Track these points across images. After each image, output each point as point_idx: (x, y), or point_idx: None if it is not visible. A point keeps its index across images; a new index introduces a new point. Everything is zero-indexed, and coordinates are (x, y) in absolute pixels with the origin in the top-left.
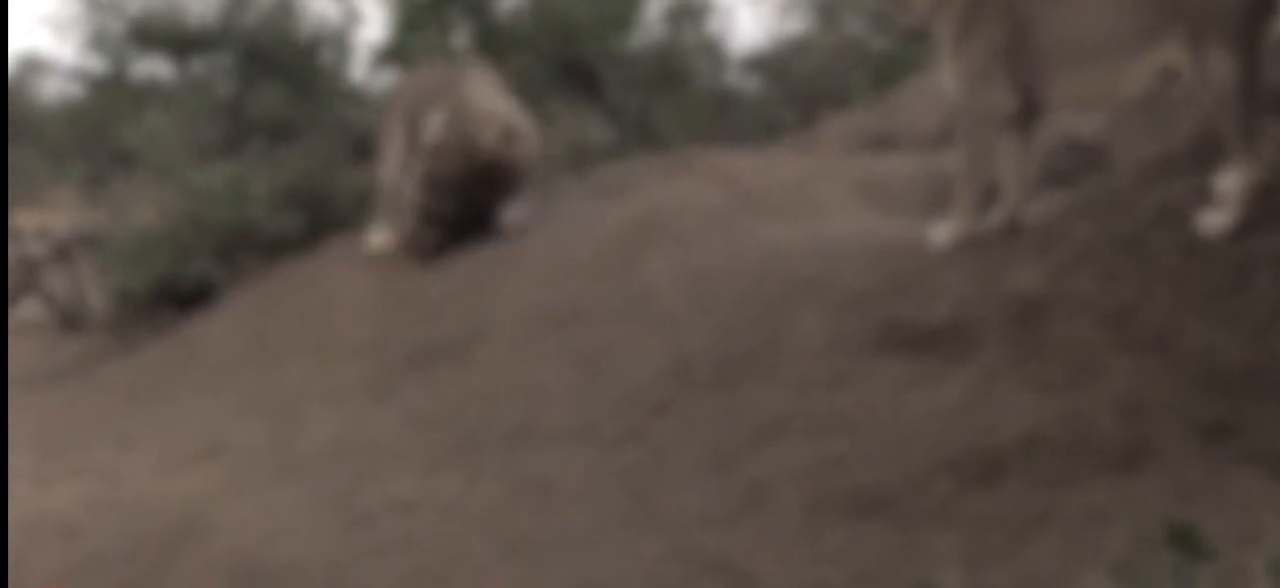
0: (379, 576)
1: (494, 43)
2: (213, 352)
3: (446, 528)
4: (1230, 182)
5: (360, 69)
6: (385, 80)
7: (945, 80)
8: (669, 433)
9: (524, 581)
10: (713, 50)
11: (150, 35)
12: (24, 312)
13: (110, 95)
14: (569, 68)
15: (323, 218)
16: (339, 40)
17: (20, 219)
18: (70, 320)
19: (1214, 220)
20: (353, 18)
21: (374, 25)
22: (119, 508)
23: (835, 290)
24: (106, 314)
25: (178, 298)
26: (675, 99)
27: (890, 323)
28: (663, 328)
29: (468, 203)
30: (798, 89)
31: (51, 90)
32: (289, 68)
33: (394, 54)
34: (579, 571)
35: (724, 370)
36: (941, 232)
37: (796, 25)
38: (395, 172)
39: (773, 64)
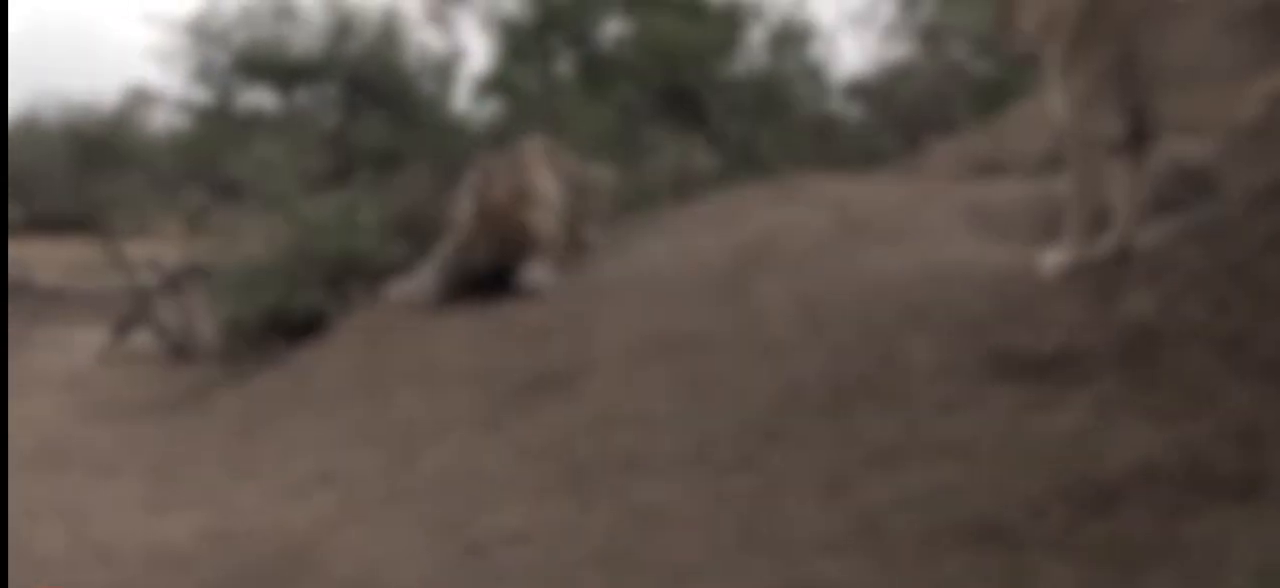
0: None
1: (597, 71)
2: (322, 381)
3: (558, 558)
4: None
5: (463, 99)
6: (487, 111)
7: (1055, 105)
8: (781, 459)
9: None
10: (815, 77)
11: (255, 67)
12: (136, 342)
13: (216, 126)
14: (672, 95)
15: (427, 247)
16: (442, 71)
17: (131, 250)
18: (181, 350)
19: None
20: (457, 49)
21: (478, 56)
22: (232, 537)
23: (946, 316)
24: (217, 344)
25: (288, 328)
26: (778, 125)
27: (1002, 350)
28: (773, 354)
29: (486, 258)
30: (901, 115)
31: (159, 121)
32: (392, 98)
33: (497, 84)
34: None
35: (836, 396)
36: (1052, 259)
37: (900, 51)
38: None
39: (875, 90)
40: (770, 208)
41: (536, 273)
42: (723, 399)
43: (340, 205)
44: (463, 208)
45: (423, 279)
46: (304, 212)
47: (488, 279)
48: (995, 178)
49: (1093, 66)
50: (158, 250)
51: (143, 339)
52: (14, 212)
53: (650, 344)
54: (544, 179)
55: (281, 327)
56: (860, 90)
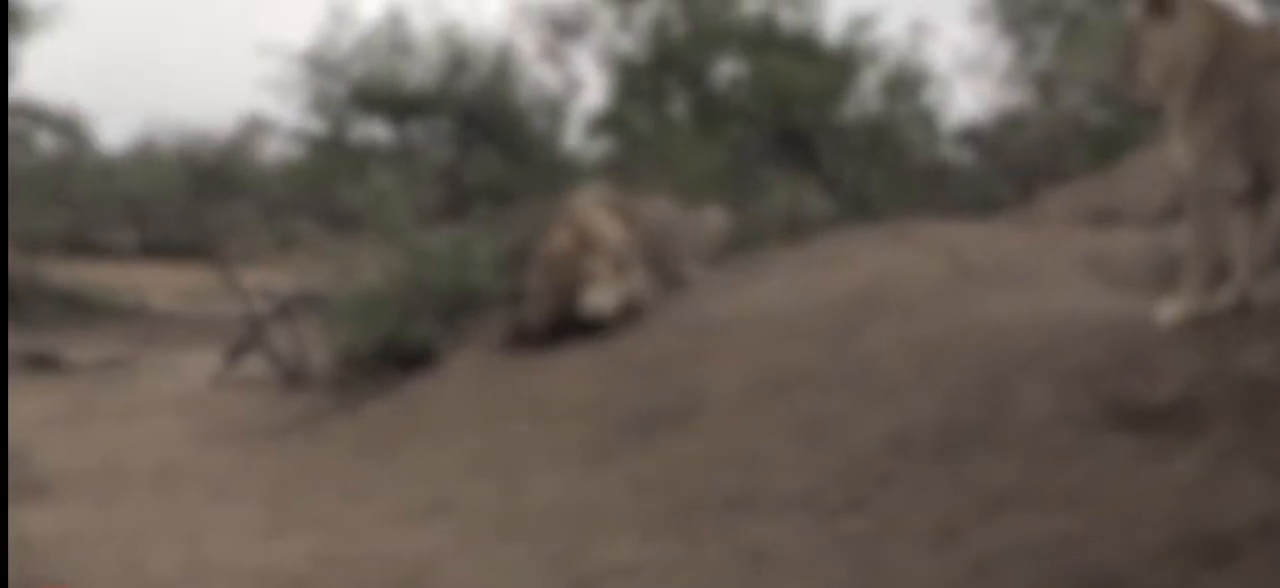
0: None
1: (710, 112)
2: (435, 410)
3: None
4: None
5: (574, 136)
6: (599, 148)
7: (1177, 156)
8: (893, 503)
9: None
10: (928, 122)
11: (370, 99)
12: (248, 367)
13: (330, 157)
14: (785, 137)
15: None
16: (554, 107)
17: (243, 277)
18: (293, 377)
19: None
20: (572, 86)
21: (592, 92)
22: (347, 562)
23: (1062, 364)
24: (329, 371)
25: (401, 358)
26: (890, 170)
27: (1118, 399)
28: (886, 397)
29: (549, 307)
30: (1014, 162)
31: (272, 151)
32: (504, 134)
33: (610, 122)
34: None
35: (949, 441)
36: (1168, 310)
37: (1015, 98)
38: None
39: (989, 137)
40: (883, 251)
41: (598, 296)
42: (834, 441)
43: (455, 239)
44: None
45: (497, 325)
46: (419, 243)
47: (555, 328)
48: (1112, 227)
49: (1215, 119)
50: (268, 278)
51: (255, 365)
52: (128, 237)
53: (762, 383)
54: (601, 224)
55: (394, 357)
56: (973, 137)
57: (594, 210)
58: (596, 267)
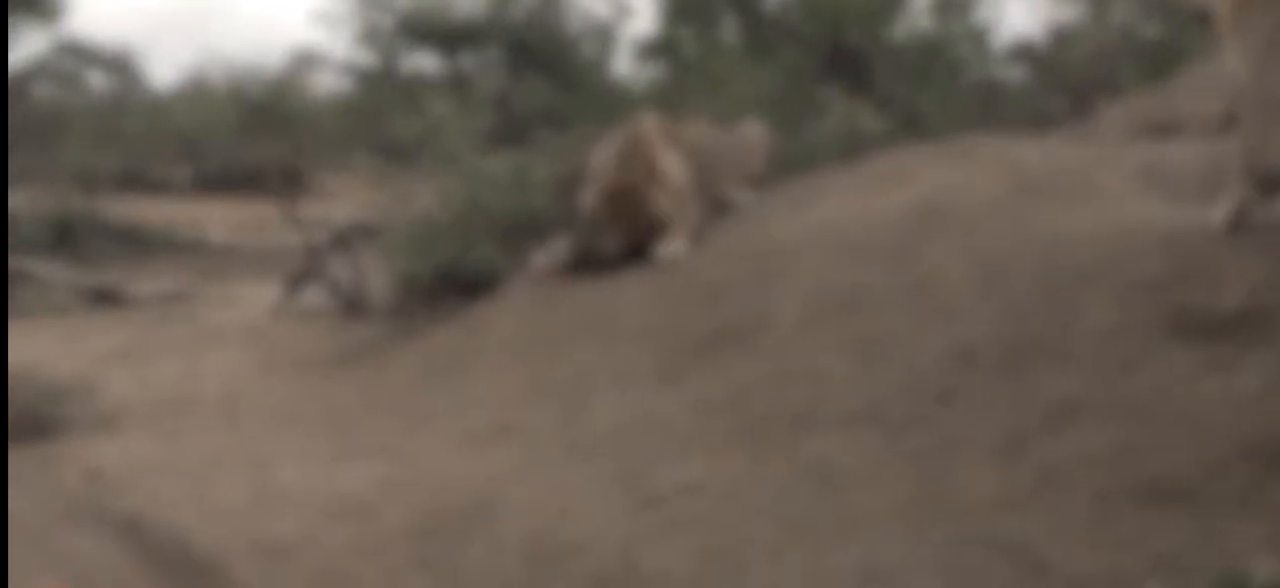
0: (669, 556)
1: (761, 35)
2: (498, 335)
3: (733, 510)
4: None
5: (624, 63)
6: (649, 74)
7: (1229, 64)
8: (956, 418)
9: (813, 564)
10: (979, 40)
11: (420, 30)
12: (310, 299)
13: (380, 89)
14: (837, 58)
15: None
16: (603, 34)
17: (300, 210)
18: (353, 306)
19: None
20: (621, 12)
21: (642, 19)
22: (412, 487)
23: (1123, 277)
24: (388, 300)
25: (461, 284)
26: (943, 89)
27: (1181, 309)
28: (947, 314)
29: (617, 239)
30: (1067, 78)
31: (324, 84)
32: (554, 62)
33: (661, 48)
34: (868, 554)
35: (1011, 356)
36: (1218, 212)
37: (1067, 13)
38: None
39: (1041, 54)
40: (941, 169)
41: (671, 246)
42: (896, 358)
43: (513, 163)
44: (592, 186)
45: (556, 250)
46: (478, 169)
47: (618, 255)
48: (1169, 139)
49: (1265, 25)
50: (323, 209)
51: (315, 295)
52: (182, 172)
53: (823, 303)
54: (666, 158)
55: (455, 283)
56: (1025, 54)
57: (656, 143)
58: (665, 205)
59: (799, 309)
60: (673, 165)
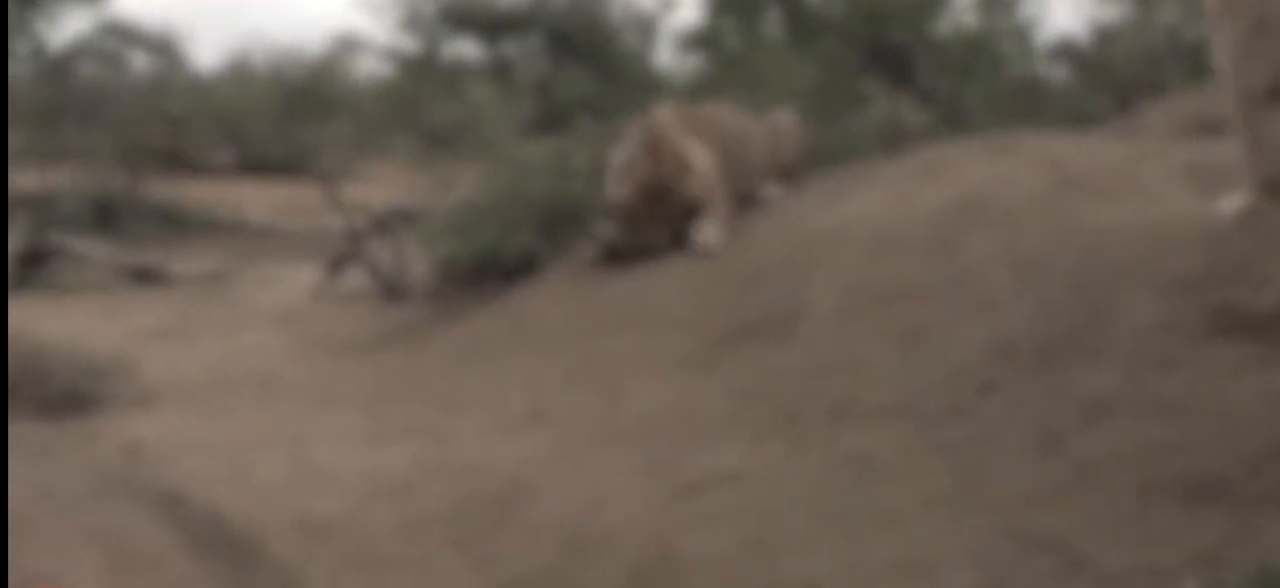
0: (705, 544)
1: (804, 28)
2: (535, 322)
3: (770, 500)
4: None
5: (666, 54)
6: (691, 66)
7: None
8: (994, 412)
9: (849, 555)
10: (1023, 37)
11: (461, 16)
12: (349, 282)
13: (421, 74)
14: (879, 53)
15: None
16: (645, 25)
17: (342, 194)
18: (392, 290)
19: None
20: (664, 3)
21: (685, 9)
22: (449, 470)
23: (1163, 273)
24: (427, 284)
25: (500, 269)
26: (986, 85)
27: (1221, 307)
28: (986, 307)
29: (652, 223)
30: (1111, 78)
31: (365, 69)
32: (596, 51)
33: (704, 40)
34: (904, 546)
35: (1050, 351)
36: (1228, 203)
37: (1111, 12)
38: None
39: (1085, 53)
40: (983, 163)
41: (707, 232)
42: (934, 351)
43: (553, 150)
44: (620, 180)
45: (597, 242)
46: (519, 155)
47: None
48: (1212, 138)
49: (1248, 13)
50: (362, 194)
51: (355, 278)
52: (224, 154)
53: (862, 294)
54: (691, 146)
55: (494, 269)
56: (1069, 52)
57: (676, 133)
58: (697, 190)
59: (836, 300)
60: (699, 152)
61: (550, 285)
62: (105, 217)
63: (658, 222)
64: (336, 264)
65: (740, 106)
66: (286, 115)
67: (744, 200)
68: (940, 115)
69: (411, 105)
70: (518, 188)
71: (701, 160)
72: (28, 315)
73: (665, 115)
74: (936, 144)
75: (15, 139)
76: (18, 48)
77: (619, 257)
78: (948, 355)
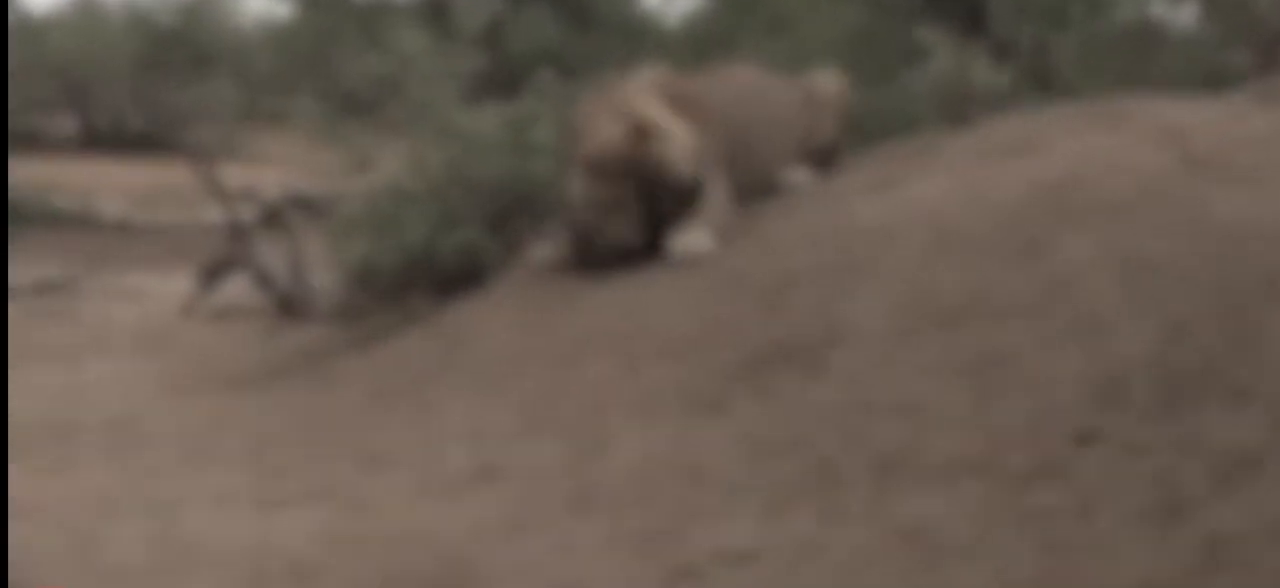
0: None
1: None
2: (484, 345)
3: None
4: None
5: None
6: (685, 5)
7: None
8: (1097, 469)
9: None
10: None
11: None
12: (231, 293)
13: (330, 16)
14: None
15: None
16: None
17: (222, 176)
18: (290, 304)
19: None
20: None
21: None
22: (367, 545)
23: None
24: (336, 296)
25: (436, 277)
26: (1083, 34)
27: None
28: (1087, 330)
29: (616, 216)
30: (1254, 23)
31: (254, 10)
32: None
33: None
34: None
35: (1173, 389)
36: None
37: None
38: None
39: None
40: (1081, 138)
41: (687, 237)
42: (1018, 387)
43: (508, 119)
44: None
45: (557, 242)
46: (461, 125)
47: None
48: None
49: None
50: (250, 176)
51: (239, 289)
52: (68, 124)
53: (921, 310)
54: (661, 114)
55: (427, 276)
56: None
57: (648, 103)
58: (679, 177)
59: (886, 318)
60: (679, 131)
61: (503, 297)
62: None
63: (626, 216)
64: (215, 270)
65: (763, 65)
66: (148, 71)
67: (760, 188)
68: (1022, 74)
69: (316, 58)
70: (459, 168)
71: (680, 140)
72: None
73: (640, 81)
74: (1018, 112)
75: None
76: None
77: (589, 261)
78: (1036, 393)
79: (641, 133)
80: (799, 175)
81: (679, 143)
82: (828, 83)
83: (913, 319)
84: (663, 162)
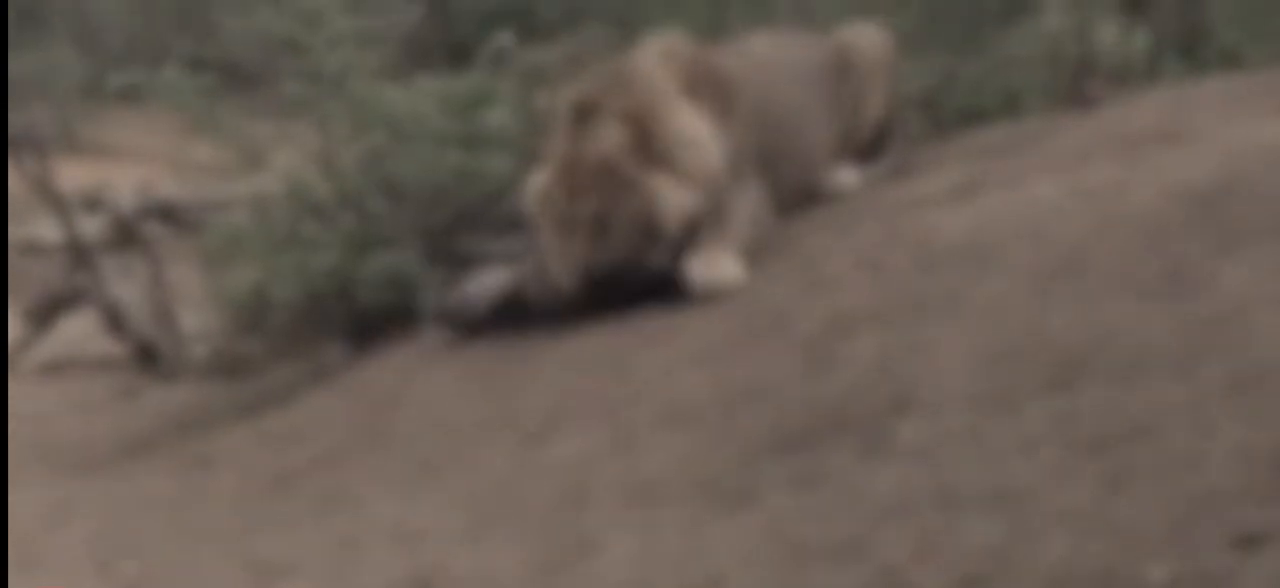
0: None
1: None
2: (419, 412)
3: None
4: None
5: None
6: None
7: None
8: (1264, 583)
9: None
10: None
11: None
12: (70, 338)
13: None
14: None
15: None
16: None
17: (61, 175)
18: (152, 354)
19: None
20: None
21: None
22: None
23: None
24: (213, 345)
25: (353, 316)
26: None
27: None
28: (1251, 390)
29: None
30: None
31: None
32: None
33: None
34: None
35: None
36: None
37: None
38: None
39: None
40: (1243, 125)
41: (710, 265)
42: (1157, 470)
43: (449, 96)
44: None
45: (486, 282)
46: (385, 105)
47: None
48: None
49: None
50: (95, 174)
51: (81, 330)
52: None
53: (1022, 365)
54: (680, 113)
55: (340, 315)
56: None
57: (662, 87)
58: (682, 199)
59: (974, 376)
60: (694, 125)
61: (444, 346)
62: None
63: (610, 240)
64: (48, 307)
65: (788, 22)
66: None
67: (796, 195)
68: (1164, 35)
69: (186, 12)
70: (384, 166)
71: (697, 138)
72: None
73: (650, 53)
74: (1157, 89)
75: None
76: None
77: (542, 311)
78: (1180, 478)
79: (645, 150)
80: (846, 176)
81: (670, 200)
82: (868, 41)
83: (1011, 377)
84: (639, 217)
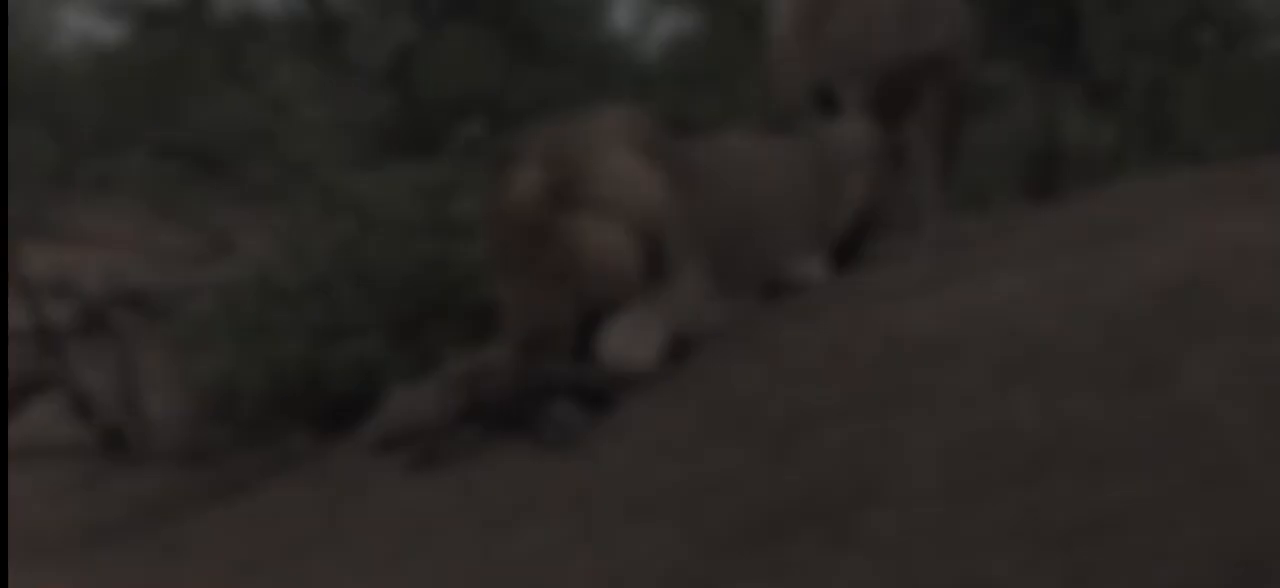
0: None
1: None
2: (384, 502)
3: None
4: None
5: (625, 16)
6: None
7: None
8: None
9: None
10: None
11: None
12: (37, 424)
13: (177, 44)
14: (1019, 14)
15: None
16: None
17: (30, 262)
18: (120, 440)
19: None
20: None
21: None
22: None
23: None
24: (183, 431)
25: (321, 404)
26: (1213, 74)
27: None
28: (1227, 481)
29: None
30: None
31: (73, 29)
32: (496, 4)
33: None
34: None
35: None
36: None
37: None
38: None
39: None
40: (1210, 218)
41: (626, 335)
42: (1125, 565)
43: (422, 184)
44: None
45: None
46: (357, 193)
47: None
48: None
49: None
50: (66, 261)
51: (48, 417)
52: None
53: (994, 456)
54: (619, 165)
55: (308, 403)
56: None
57: (614, 144)
58: (608, 246)
59: (942, 468)
60: (630, 167)
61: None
62: None
63: (547, 298)
64: (16, 393)
65: (762, 119)
66: None
67: (757, 284)
68: (1131, 127)
69: (156, 98)
70: (353, 254)
71: (631, 191)
72: None
73: (610, 114)
74: (1124, 180)
75: None
76: None
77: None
78: (1158, 570)
79: (568, 197)
80: (810, 267)
81: (590, 240)
82: (853, 137)
83: (979, 469)
84: (560, 265)
